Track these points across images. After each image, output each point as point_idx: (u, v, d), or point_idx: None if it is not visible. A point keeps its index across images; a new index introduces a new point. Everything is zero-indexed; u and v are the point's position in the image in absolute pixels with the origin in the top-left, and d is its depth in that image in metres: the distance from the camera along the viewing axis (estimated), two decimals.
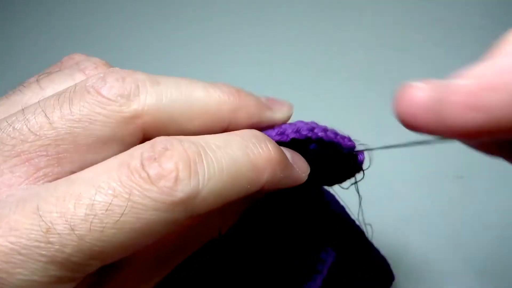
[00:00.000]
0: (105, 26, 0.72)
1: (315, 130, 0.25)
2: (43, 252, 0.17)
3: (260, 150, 0.21)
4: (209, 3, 0.73)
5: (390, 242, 0.43)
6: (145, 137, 0.21)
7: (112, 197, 0.18)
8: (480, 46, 0.21)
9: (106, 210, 0.18)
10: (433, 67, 0.61)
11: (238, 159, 0.20)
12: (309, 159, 0.25)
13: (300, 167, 0.24)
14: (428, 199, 0.49)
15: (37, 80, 0.23)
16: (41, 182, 0.19)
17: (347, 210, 0.35)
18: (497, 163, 0.25)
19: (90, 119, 0.20)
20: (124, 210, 0.18)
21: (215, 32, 0.69)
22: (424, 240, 0.46)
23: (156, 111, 0.21)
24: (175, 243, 0.23)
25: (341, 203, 0.35)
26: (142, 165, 0.18)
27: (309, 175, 0.25)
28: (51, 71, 0.23)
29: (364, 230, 0.36)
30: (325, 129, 0.25)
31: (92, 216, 0.18)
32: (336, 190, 0.33)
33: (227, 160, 0.20)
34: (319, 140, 0.25)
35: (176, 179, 0.18)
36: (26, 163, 0.19)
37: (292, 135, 0.24)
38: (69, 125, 0.20)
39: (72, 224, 0.17)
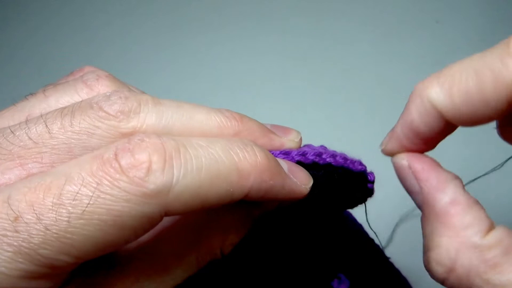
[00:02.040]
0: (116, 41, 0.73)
1: (323, 156, 0.24)
2: (10, 241, 0.17)
3: (246, 154, 0.20)
4: (212, 16, 0.74)
5: (410, 262, 0.42)
6: None
7: (80, 186, 0.18)
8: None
9: (73, 199, 0.17)
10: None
11: (220, 160, 0.20)
12: (318, 185, 0.24)
13: (299, 178, 0.23)
14: None
15: (43, 90, 0.23)
16: None
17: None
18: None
19: (88, 132, 0.20)
20: (90, 200, 0.17)
21: (214, 44, 0.70)
22: None
23: (154, 131, 0.21)
24: (171, 250, 0.23)
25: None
26: (115, 155, 0.18)
27: (319, 200, 0.23)
28: (59, 82, 0.24)
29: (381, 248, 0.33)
30: (333, 155, 0.24)
31: (58, 206, 0.17)
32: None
33: (207, 159, 0.19)
34: (328, 165, 0.24)
35: (148, 169, 0.18)
36: (19, 167, 0.19)
37: (297, 158, 0.23)
38: (68, 136, 0.20)
39: (39, 213, 0.17)
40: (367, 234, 0.32)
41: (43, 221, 0.17)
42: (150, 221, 0.19)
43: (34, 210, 0.17)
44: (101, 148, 0.19)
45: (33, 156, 0.20)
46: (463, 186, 0.22)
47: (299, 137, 0.25)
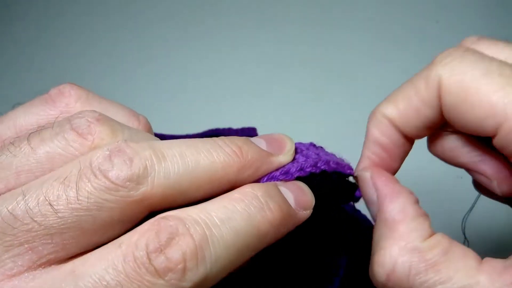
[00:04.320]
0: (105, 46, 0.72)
1: (318, 164, 0.25)
2: None
3: (263, 214, 0.21)
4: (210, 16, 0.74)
5: None
6: (151, 211, 0.21)
7: None
8: None
9: None
10: None
11: (242, 230, 0.20)
12: (314, 189, 0.25)
13: (304, 205, 0.24)
14: (432, 198, 0.49)
15: (27, 141, 0.21)
16: (43, 267, 0.19)
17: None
18: None
19: (97, 206, 0.19)
20: None
21: (213, 43, 0.70)
22: None
23: (165, 189, 0.20)
24: None
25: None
26: (149, 258, 0.18)
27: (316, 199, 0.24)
28: (42, 127, 0.22)
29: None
30: (327, 161, 0.26)
31: None
32: None
33: (232, 236, 0.20)
34: (323, 172, 0.25)
35: (184, 270, 0.18)
36: (29, 252, 0.18)
37: (296, 174, 0.24)
38: (76, 213, 0.19)
39: None
40: (359, 212, 0.35)
41: None
42: None
43: None
44: (127, 242, 0.19)
45: (42, 239, 0.18)
46: (417, 201, 0.24)
47: (293, 147, 0.25)
